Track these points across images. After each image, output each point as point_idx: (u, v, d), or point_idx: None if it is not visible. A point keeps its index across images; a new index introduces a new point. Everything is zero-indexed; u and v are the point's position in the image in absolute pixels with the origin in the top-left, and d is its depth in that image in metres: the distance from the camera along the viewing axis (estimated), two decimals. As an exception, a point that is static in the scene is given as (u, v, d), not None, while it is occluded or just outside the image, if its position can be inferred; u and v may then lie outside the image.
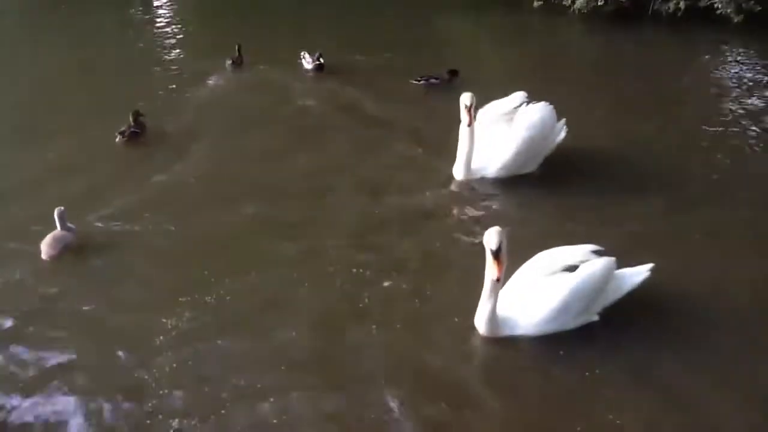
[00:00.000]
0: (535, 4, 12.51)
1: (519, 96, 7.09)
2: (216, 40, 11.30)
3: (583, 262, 4.97)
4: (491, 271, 4.69)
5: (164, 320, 5.01)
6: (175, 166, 7.34)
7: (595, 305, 4.95)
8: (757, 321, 5.06)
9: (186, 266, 5.69)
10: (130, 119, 7.84)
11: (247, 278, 5.51)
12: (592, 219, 6.23)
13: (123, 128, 7.77)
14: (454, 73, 9.30)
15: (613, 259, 5.02)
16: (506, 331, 4.83)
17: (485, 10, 12.97)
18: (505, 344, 4.82)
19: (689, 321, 5.08)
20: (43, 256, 5.70)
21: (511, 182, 6.84)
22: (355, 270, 5.55)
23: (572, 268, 4.96)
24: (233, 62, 10.03)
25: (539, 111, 6.88)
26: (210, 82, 9.65)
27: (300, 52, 10.08)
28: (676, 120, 8.50)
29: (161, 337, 4.87)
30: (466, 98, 6.49)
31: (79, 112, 8.80)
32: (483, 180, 6.85)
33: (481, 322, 4.81)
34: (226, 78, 9.82)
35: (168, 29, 12.28)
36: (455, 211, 6.54)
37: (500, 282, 4.70)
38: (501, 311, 4.83)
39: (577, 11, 12.10)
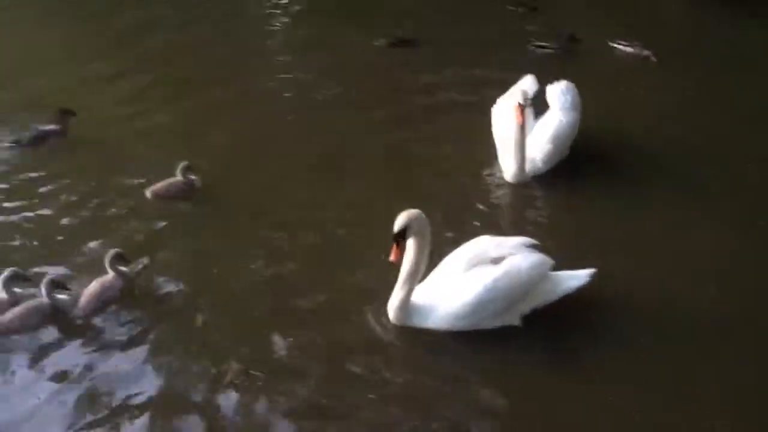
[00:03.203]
0: None
1: (529, 81, 6.40)
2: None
3: (512, 255, 4.43)
4: (405, 256, 4.41)
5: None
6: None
7: (522, 305, 4.38)
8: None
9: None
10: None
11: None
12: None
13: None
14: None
15: (544, 257, 4.39)
16: (416, 322, 4.46)
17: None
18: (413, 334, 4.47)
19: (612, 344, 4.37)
20: (147, 193, 5.88)
21: (554, 174, 6.13)
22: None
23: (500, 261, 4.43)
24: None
25: (569, 92, 6.15)
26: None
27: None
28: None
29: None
30: (519, 96, 5.80)
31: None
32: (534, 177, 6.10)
33: (391, 309, 4.49)
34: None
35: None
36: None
37: (400, 264, 4.38)
38: (417, 299, 4.48)
39: None
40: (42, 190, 6.03)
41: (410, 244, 4.38)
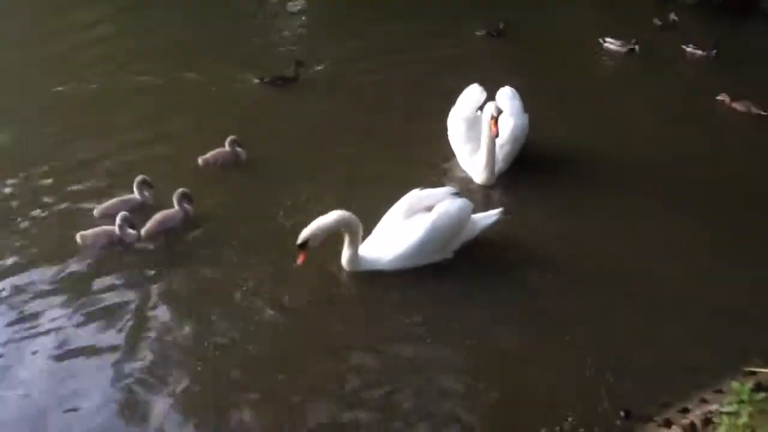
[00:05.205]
0: None
1: (475, 90, 7.04)
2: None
3: (440, 202, 5.26)
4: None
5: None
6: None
7: (452, 244, 5.23)
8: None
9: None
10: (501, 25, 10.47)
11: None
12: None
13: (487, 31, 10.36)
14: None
15: (466, 201, 5.27)
16: (368, 267, 5.27)
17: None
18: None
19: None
20: (200, 160, 6.72)
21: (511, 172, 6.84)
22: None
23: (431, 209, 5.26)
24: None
25: (515, 97, 6.93)
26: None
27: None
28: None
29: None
30: (492, 109, 6.26)
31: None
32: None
33: (344, 261, 5.30)
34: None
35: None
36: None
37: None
38: (368, 250, 5.30)
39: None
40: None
41: (346, 236, 5.20)
